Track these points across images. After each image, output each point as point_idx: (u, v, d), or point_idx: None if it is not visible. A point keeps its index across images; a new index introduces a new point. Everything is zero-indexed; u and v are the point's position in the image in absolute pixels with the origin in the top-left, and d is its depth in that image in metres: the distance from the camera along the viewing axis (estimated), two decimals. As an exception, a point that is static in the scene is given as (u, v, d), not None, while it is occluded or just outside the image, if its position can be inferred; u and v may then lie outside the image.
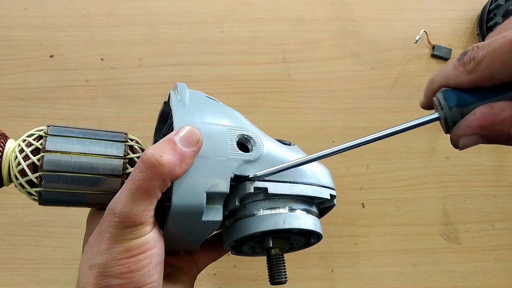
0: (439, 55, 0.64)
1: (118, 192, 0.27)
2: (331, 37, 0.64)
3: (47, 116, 0.60)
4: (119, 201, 0.27)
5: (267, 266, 0.33)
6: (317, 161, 0.34)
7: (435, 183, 0.60)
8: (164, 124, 0.37)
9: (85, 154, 0.30)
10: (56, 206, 0.32)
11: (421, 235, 0.59)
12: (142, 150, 0.33)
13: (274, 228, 0.31)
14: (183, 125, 0.29)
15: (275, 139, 0.35)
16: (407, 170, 0.60)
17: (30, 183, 0.29)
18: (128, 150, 0.32)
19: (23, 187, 0.29)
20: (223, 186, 0.29)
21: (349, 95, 0.63)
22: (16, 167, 0.28)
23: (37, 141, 0.29)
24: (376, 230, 0.58)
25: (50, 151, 0.29)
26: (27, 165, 0.28)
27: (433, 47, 0.64)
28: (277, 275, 0.33)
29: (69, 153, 0.29)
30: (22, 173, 0.28)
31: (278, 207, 0.32)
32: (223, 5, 0.64)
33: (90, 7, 0.63)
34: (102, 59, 0.61)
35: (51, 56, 0.61)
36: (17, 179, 0.29)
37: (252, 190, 0.30)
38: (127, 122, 0.59)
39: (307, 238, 0.35)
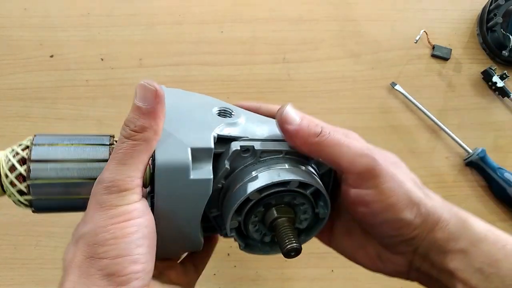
0: (439, 55, 0.64)
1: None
2: (331, 37, 0.64)
3: (47, 116, 0.60)
4: (105, 170, 0.27)
5: (276, 238, 0.31)
6: None
7: (435, 183, 0.60)
8: None
9: (70, 160, 0.30)
10: (50, 212, 0.32)
11: (421, 235, 0.59)
12: None
13: (270, 182, 0.29)
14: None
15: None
16: (407, 170, 0.60)
17: (20, 192, 0.29)
18: (114, 141, 0.31)
19: (14, 196, 0.30)
20: (207, 141, 0.29)
21: (349, 95, 0.63)
22: (6, 177, 0.29)
23: (23, 151, 0.30)
24: (376, 230, 0.58)
25: (35, 160, 0.29)
26: (15, 176, 0.29)
27: (433, 47, 0.64)
28: (287, 241, 0.29)
29: (55, 160, 0.30)
30: (12, 183, 0.29)
31: (271, 167, 0.31)
32: (223, 5, 0.64)
33: (90, 7, 0.63)
34: (102, 59, 0.62)
35: (51, 56, 0.61)
36: (8, 189, 0.30)
37: (238, 147, 0.30)
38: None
39: (314, 206, 0.33)
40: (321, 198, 0.33)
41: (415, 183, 0.32)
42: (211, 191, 0.29)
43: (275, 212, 0.31)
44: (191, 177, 0.28)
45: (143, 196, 0.28)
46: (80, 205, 0.30)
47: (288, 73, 0.63)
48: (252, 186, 0.30)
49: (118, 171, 0.27)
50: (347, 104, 0.62)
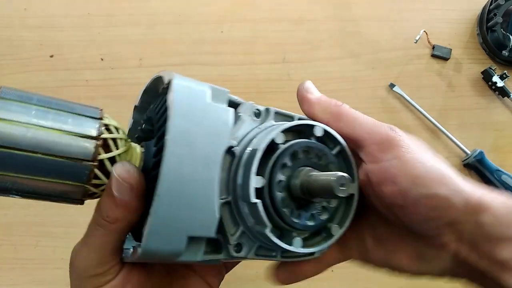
0: (439, 55, 0.64)
1: (78, 243, 0.28)
2: (331, 37, 0.64)
3: (47, 116, 0.60)
4: (78, 255, 0.27)
5: (317, 187, 0.27)
6: None
7: (435, 183, 0.60)
8: (147, 104, 0.34)
9: (47, 128, 0.23)
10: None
11: (421, 235, 0.59)
12: (117, 130, 0.28)
13: (295, 123, 0.29)
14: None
15: None
16: (407, 170, 0.60)
17: None
18: (103, 129, 0.26)
19: None
20: (222, 87, 0.28)
21: (349, 95, 0.63)
22: None
23: None
24: (376, 230, 0.58)
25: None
26: None
27: (433, 47, 0.64)
28: (331, 176, 0.26)
29: (26, 124, 0.22)
30: None
31: (288, 119, 0.31)
32: (223, 5, 0.64)
33: (90, 7, 0.63)
34: (102, 59, 0.61)
35: (51, 56, 0.61)
36: None
37: (252, 102, 0.30)
38: (127, 122, 0.59)
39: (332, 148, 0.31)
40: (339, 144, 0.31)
41: (441, 159, 0.28)
42: (231, 124, 0.27)
43: (303, 170, 0.28)
44: (208, 101, 0.26)
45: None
46: (43, 191, 0.24)
47: (288, 73, 0.63)
48: (278, 128, 0.28)
49: (92, 258, 0.27)
50: (347, 104, 0.62)
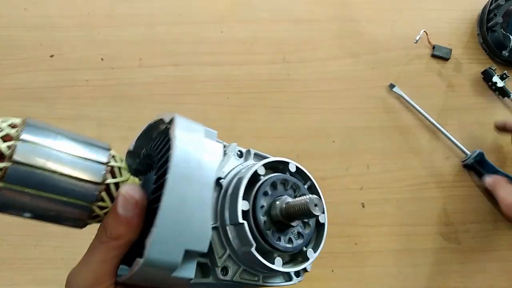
0: (439, 55, 0.64)
1: (77, 265, 0.29)
2: (331, 37, 0.64)
3: (47, 116, 0.60)
4: (78, 271, 0.29)
5: (294, 212, 0.30)
6: None
7: (435, 183, 0.60)
8: (148, 139, 0.36)
9: (66, 153, 0.27)
10: (7, 213, 0.27)
11: (421, 235, 0.59)
12: (121, 161, 0.31)
13: (274, 159, 0.33)
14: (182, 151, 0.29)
15: None
16: (407, 170, 0.60)
17: None
18: (111, 158, 0.29)
19: None
20: (213, 130, 0.33)
21: (349, 95, 0.63)
22: None
23: (10, 128, 0.25)
24: (376, 230, 0.58)
25: (25, 141, 0.25)
26: None
27: (433, 47, 0.64)
28: (304, 199, 0.30)
29: (48, 148, 0.26)
30: None
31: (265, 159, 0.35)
32: (223, 5, 0.64)
33: (90, 7, 0.63)
34: (102, 59, 0.61)
35: (51, 56, 0.61)
36: None
37: (235, 143, 0.34)
38: (127, 122, 0.59)
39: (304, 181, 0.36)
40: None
41: None
42: (221, 156, 0.32)
43: (281, 197, 0.32)
44: (203, 136, 0.31)
45: None
46: (54, 209, 0.28)
47: (288, 73, 0.63)
48: (261, 162, 0.32)
49: (89, 277, 0.28)
50: (347, 104, 0.62)
